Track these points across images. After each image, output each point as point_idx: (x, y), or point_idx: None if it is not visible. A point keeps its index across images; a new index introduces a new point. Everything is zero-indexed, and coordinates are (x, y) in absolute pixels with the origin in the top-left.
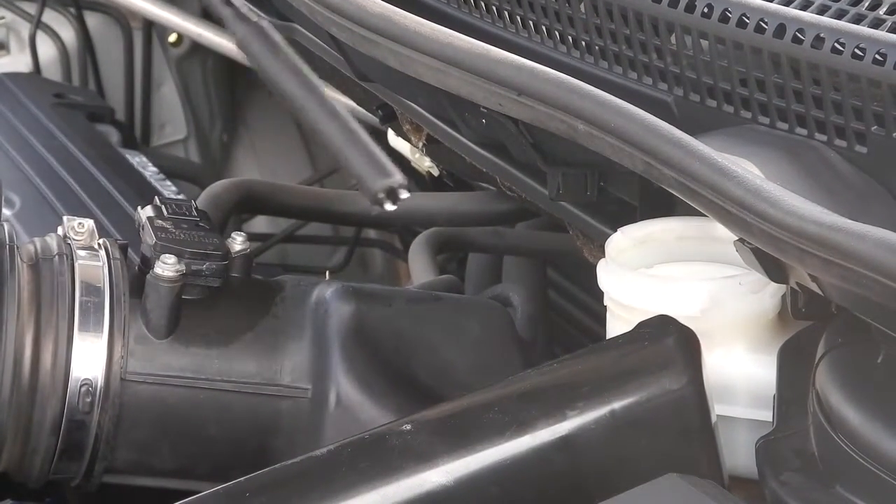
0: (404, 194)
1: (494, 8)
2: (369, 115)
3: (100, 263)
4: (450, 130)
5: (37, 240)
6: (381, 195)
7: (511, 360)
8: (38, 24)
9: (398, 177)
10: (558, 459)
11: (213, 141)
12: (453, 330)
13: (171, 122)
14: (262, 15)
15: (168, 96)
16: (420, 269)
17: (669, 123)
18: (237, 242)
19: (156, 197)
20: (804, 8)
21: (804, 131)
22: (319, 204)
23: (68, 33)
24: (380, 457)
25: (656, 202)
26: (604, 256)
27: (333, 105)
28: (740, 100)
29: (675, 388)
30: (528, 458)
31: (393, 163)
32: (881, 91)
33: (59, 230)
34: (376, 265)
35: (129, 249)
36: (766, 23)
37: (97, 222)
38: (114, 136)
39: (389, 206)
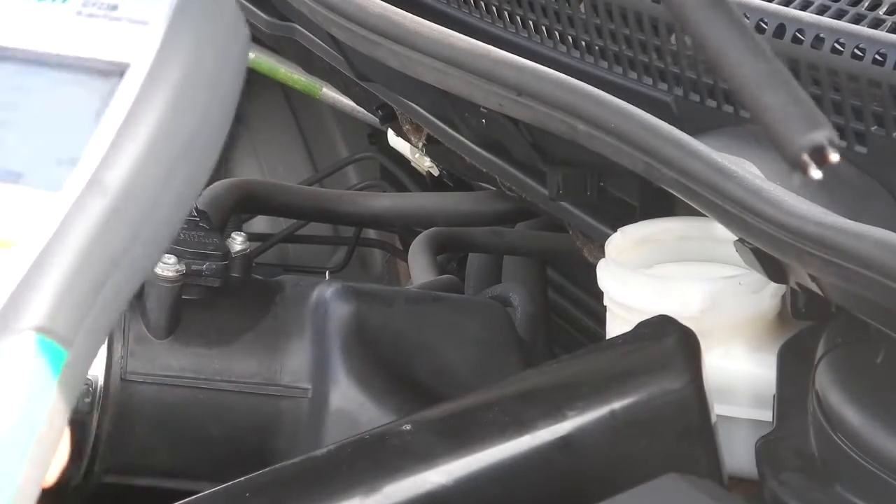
0: (834, 156)
1: (494, 8)
2: (369, 115)
3: None
4: (450, 130)
5: None
6: (805, 155)
7: (511, 360)
8: None
9: (829, 130)
10: (558, 459)
11: None
12: (453, 330)
13: None
14: None
15: None
16: (420, 269)
17: (669, 123)
18: (237, 242)
19: None
20: (804, 8)
21: None
22: (319, 204)
23: None
24: (380, 457)
25: (656, 202)
26: (604, 256)
27: (758, 41)
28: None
29: (675, 388)
30: (528, 458)
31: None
32: (881, 91)
33: None
34: (376, 265)
35: None
36: (765, 23)
37: None
38: None
39: (815, 173)
